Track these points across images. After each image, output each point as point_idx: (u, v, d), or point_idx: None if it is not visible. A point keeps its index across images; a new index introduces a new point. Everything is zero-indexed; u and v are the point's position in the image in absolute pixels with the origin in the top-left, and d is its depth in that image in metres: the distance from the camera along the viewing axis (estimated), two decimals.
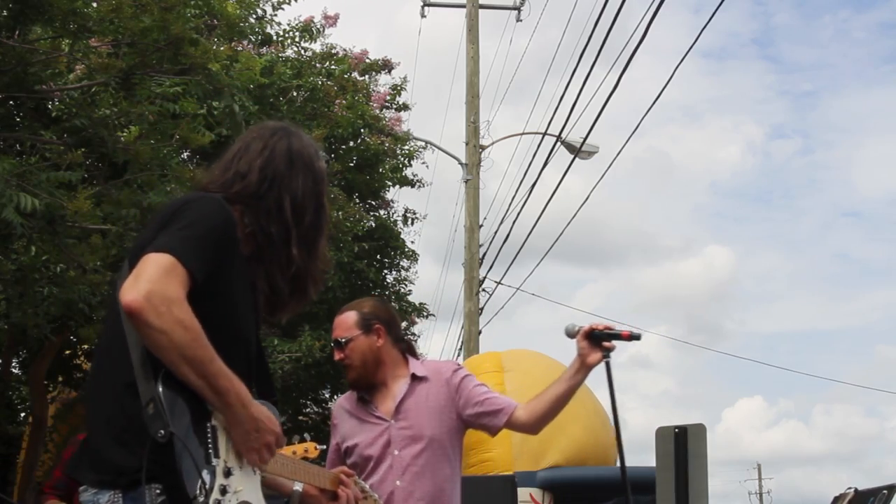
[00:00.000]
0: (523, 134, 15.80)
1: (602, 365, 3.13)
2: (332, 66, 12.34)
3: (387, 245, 12.75)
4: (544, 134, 13.12)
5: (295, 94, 11.20)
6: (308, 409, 13.53)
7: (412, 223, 13.85)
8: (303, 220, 2.23)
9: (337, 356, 3.42)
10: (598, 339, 3.07)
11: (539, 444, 7.97)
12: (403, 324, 13.63)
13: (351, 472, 2.70)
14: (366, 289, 12.16)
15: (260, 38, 11.40)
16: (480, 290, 14.67)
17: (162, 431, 1.87)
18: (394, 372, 3.44)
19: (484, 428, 3.42)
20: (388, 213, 13.47)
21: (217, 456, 1.97)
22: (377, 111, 12.72)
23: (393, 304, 13.10)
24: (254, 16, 10.79)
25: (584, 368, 3.12)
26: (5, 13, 5.89)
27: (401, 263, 13.44)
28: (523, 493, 7.67)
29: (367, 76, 13.14)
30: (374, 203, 13.15)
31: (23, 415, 12.52)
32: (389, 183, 13.14)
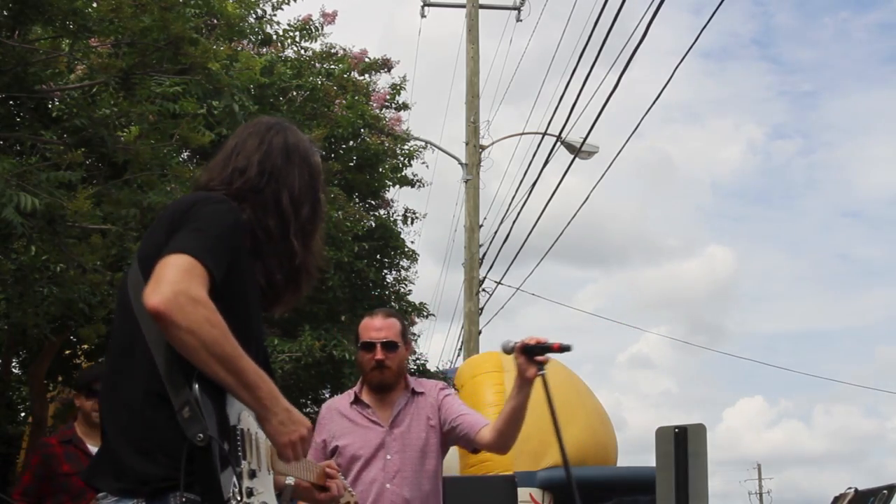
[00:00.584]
0: (523, 134, 15.84)
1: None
2: (332, 66, 12.33)
3: (387, 245, 12.74)
4: (544, 134, 13.13)
5: (295, 93, 11.20)
6: (308, 409, 13.52)
7: (412, 223, 13.85)
8: (300, 214, 2.24)
9: (379, 355, 3.54)
10: (532, 353, 3.14)
11: (539, 444, 7.97)
12: None
13: (335, 467, 2.74)
14: (366, 289, 12.15)
15: (260, 37, 11.39)
16: (480, 290, 14.68)
17: (201, 435, 1.87)
18: (399, 383, 3.62)
19: (462, 446, 3.60)
20: (388, 212, 13.46)
21: (245, 458, 1.98)
22: (377, 111, 12.72)
23: (393, 303, 13.09)
24: (254, 15, 10.79)
25: (524, 383, 3.20)
26: (5, 13, 5.89)
27: (401, 263, 13.42)
28: (523, 493, 7.67)
29: (366, 76, 13.14)
30: (374, 203, 13.14)
31: (23, 415, 12.53)
32: (389, 183, 13.13)
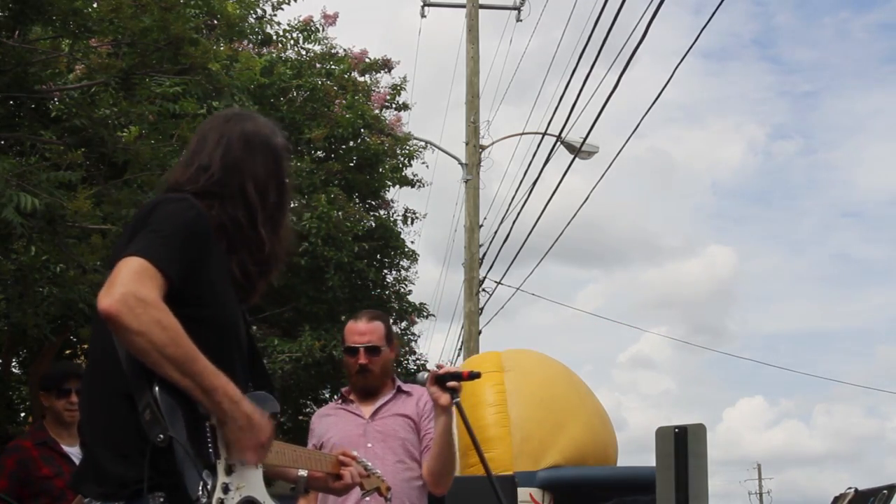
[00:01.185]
0: (523, 134, 15.83)
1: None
2: (332, 66, 12.33)
3: (387, 245, 12.73)
4: (544, 134, 13.13)
5: (295, 94, 11.21)
6: (308, 409, 13.52)
7: (412, 223, 13.84)
8: (266, 202, 2.25)
9: (362, 360, 3.59)
10: (443, 381, 3.27)
11: (539, 444, 7.99)
12: (403, 324, 13.64)
13: (352, 454, 2.76)
14: (366, 289, 12.14)
15: (260, 38, 11.40)
16: (480, 290, 14.68)
17: (161, 436, 1.88)
18: (385, 383, 3.68)
19: None
20: (388, 213, 13.46)
21: (218, 455, 1.97)
22: (377, 111, 12.71)
23: (393, 303, 13.10)
24: (254, 16, 10.79)
25: (441, 412, 3.33)
26: (5, 13, 5.89)
27: (401, 263, 13.42)
28: (523, 493, 7.68)
29: (367, 76, 13.14)
30: (374, 203, 13.14)
31: (23, 415, 12.53)
32: (389, 183, 13.13)
